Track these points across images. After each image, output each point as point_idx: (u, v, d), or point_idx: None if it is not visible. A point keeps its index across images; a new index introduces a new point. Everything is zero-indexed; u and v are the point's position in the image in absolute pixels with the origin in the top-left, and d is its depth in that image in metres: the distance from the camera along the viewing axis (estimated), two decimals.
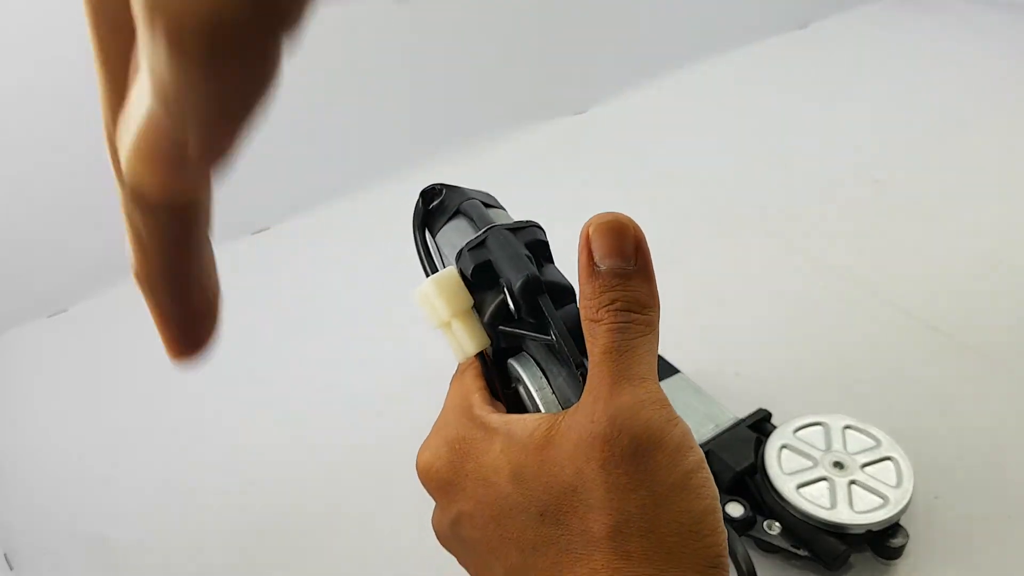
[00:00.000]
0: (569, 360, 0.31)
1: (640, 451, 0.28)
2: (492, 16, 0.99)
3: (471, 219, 0.37)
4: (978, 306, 0.72)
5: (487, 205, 0.39)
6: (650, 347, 0.30)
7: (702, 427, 0.57)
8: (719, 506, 0.29)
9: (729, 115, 1.00)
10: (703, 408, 0.58)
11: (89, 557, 0.59)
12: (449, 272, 0.34)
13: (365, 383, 0.68)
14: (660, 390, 0.29)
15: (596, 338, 0.29)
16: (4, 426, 0.70)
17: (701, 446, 0.56)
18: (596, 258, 0.30)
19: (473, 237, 0.35)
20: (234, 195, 0.99)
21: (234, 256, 0.85)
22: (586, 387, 0.29)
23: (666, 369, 0.61)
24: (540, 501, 0.29)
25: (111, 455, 0.66)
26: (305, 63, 1.02)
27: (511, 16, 1.00)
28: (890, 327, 0.70)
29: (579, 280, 0.30)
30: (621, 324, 0.29)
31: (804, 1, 1.18)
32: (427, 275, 0.36)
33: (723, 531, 0.29)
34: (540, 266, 0.34)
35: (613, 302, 0.29)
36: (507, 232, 0.34)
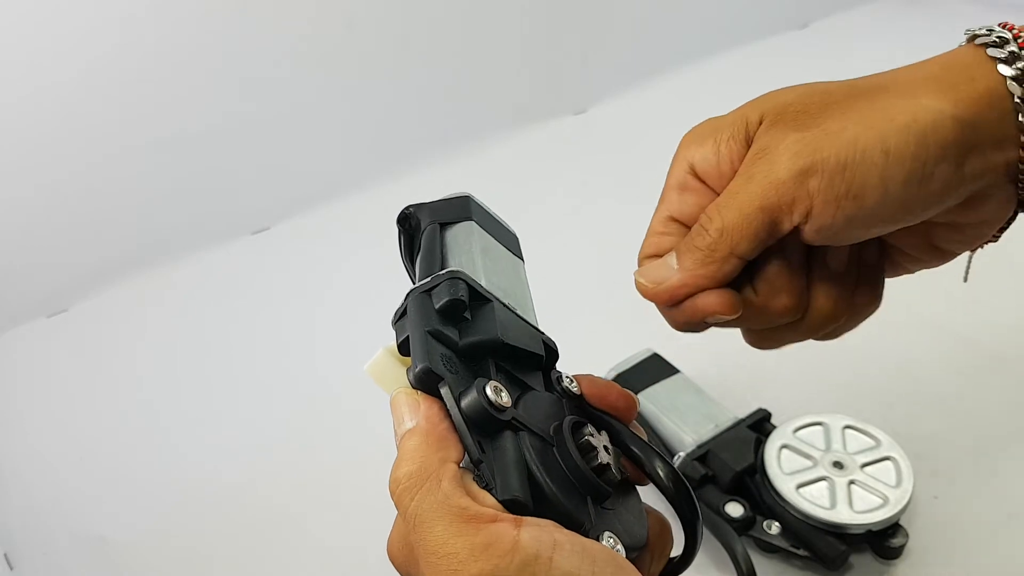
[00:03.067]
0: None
1: None
2: (492, 16, 0.99)
3: (422, 258, 0.36)
4: (980, 305, 0.72)
5: (445, 224, 0.37)
6: (444, 492, 0.27)
7: (702, 427, 0.57)
8: None
9: None
10: (703, 408, 0.58)
11: (89, 557, 0.59)
12: (381, 356, 0.33)
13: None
14: (480, 534, 0.26)
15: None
16: (4, 426, 0.70)
17: (701, 446, 0.56)
18: None
19: (400, 306, 0.33)
20: (234, 195, 0.99)
21: (234, 256, 0.85)
22: None
23: (666, 369, 0.61)
24: None
25: (111, 455, 0.66)
26: (305, 63, 1.01)
27: (511, 16, 1.00)
28: (890, 326, 0.70)
29: None
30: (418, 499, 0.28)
31: (804, 1, 1.18)
32: None
33: None
34: (462, 322, 0.32)
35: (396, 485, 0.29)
36: (422, 297, 0.32)
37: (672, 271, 0.36)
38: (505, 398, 0.30)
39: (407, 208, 0.38)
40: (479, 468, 0.29)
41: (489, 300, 0.33)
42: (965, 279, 0.43)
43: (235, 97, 0.87)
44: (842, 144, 0.32)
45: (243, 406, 0.70)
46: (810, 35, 1.15)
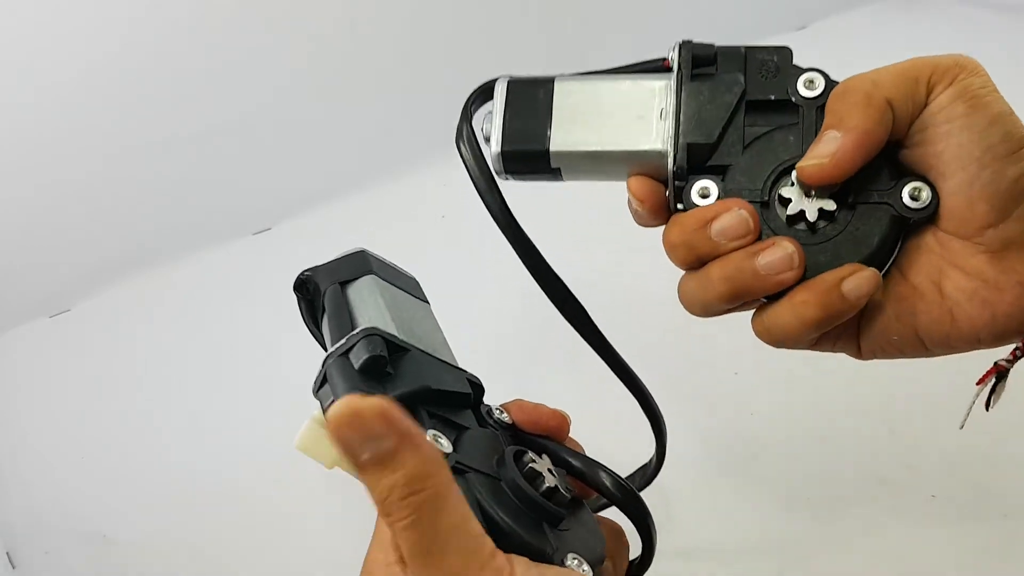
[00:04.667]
0: None
1: None
2: (491, 16, 0.99)
3: (330, 320, 0.35)
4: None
5: (345, 283, 0.37)
6: (451, 516, 0.26)
7: None
8: None
9: None
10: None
11: (90, 556, 0.59)
12: (309, 427, 0.32)
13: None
14: (479, 557, 0.26)
15: (397, 539, 0.27)
16: (5, 426, 0.70)
17: None
18: (354, 453, 0.26)
19: (318, 372, 0.33)
20: (234, 195, 1.00)
21: (234, 256, 0.85)
22: None
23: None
24: None
25: (112, 454, 0.67)
26: (304, 64, 1.01)
27: (510, 16, 1.00)
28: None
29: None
30: (411, 518, 0.26)
31: (803, 1, 1.18)
32: None
33: None
34: (385, 377, 0.31)
35: (390, 491, 0.26)
36: (341, 360, 0.32)
37: (838, 141, 0.34)
38: (445, 444, 0.30)
39: (303, 273, 0.38)
40: None
41: (408, 350, 0.33)
42: (962, 426, 0.41)
43: (235, 97, 0.87)
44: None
45: (243, 406, 0.70)
46: (810, 36, 1.15)
